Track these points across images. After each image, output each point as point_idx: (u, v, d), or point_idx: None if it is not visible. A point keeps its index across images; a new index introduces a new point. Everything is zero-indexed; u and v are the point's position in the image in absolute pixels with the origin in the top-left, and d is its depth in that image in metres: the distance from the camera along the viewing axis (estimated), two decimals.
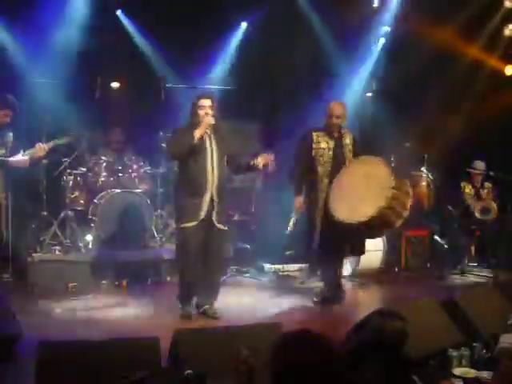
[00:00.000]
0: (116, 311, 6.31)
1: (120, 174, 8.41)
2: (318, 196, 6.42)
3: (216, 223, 5.81)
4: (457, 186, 9.06)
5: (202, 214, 5.74)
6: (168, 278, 7.57)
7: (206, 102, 5.83)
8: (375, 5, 9.69)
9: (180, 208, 5.92)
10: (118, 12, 9.33)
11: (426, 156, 9.17)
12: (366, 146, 9.31)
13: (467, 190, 9.03)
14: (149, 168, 8.63)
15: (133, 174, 8.46)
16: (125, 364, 3.50)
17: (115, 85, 9.42)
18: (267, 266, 8.43)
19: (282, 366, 2.40)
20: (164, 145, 8.48)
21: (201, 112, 5.80)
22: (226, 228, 5.98)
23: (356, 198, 6.13)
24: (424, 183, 9.13)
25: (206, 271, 5.92)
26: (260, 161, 5.83)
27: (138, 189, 8.40)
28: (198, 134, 5.70)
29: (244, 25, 9.87)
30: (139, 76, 9.12)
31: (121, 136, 8.77)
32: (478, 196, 9.00)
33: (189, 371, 3.32)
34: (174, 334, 3.90)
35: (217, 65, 9.69)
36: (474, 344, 4.48)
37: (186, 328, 4.28)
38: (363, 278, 7.85)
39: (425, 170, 9.13)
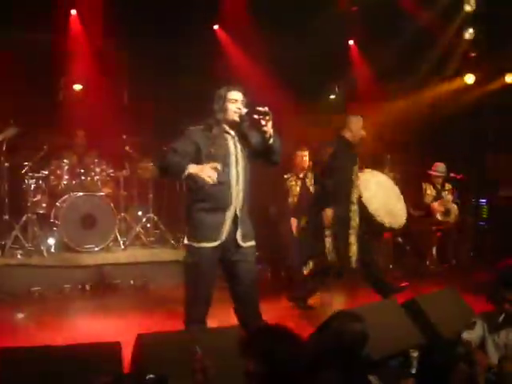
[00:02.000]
0: (79, 316, 6.27)
1: (82, 177, 8.35)
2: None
3: (241, 243, 4.76)
4: (418, 188, 9.20)
5: (224, 234, 4.69)
6: (131, 282, 7.54)
7: (238, 96, 4.74)
8: None
9: (196, 224, 4.72)
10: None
11: (388, 157, 9.28)
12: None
13: (428, 192, 9.17)
14: (112, 171, 8.58)
15: (95, 177, 8.40)
16: (86, 369, 3.48)
17: (78, 87, 9.37)
18: None
19: (251, 355, 2.48)
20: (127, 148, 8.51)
21: (232, 107, 4.70)
22: (253, 243, 4.89)
23: (390, 206, 6.76)
24: None
25: (243, 295, 4.87)
26: (262, 124, 4.60)
27: (101, 192, 8.35)
28: (193, 170, 4.51)
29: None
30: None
31: (84, 139, 8.71)
32: (438, 198, 9.15)
33: (150, 375, 3.31)
34: (137, 339, 3.89)
35: None
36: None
37: (148, 332, 4.26)
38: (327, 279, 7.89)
39: (386, 172, 9.22)
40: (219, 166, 4.53)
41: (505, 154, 10.02)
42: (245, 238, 4.78)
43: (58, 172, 8.29)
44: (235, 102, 4.70)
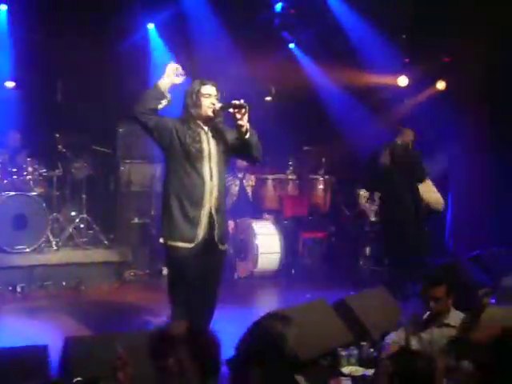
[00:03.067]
0: (9, 318, 6.14)
1: (14, 177, 8.16)
2: None
3: (218, 244, 4.64)
4: (353, 190, 9.35)
5: (201, 234, 4.54)
6: (64, 283, 7.43)
7: (212, 91, 4.61)
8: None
9: (171, 224, 4.57)
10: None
11: (323, 160, 9.39)
12: (265, 149, 9.52)
13: (362, 193, 9.32)
14: (44, 170, 8.42)
15: (28, 177, 8.23)
16: (12, 374, 3.42)
17: (10, 84, 9.17)
18: (165, 269, 8.40)
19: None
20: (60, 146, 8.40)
21: (205, 102, 4.58)
22: (226, 247, 4.86)
23: None
24: (321, 186, 9.37)
25: (204, 298, 4.72)
26: (237, 117, 4.51)
27: (33, 192, 8.18)
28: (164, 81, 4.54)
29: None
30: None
31: (17, 141, 8.53)
32: (372, 199, 9.31)
33: (78, 379, 3.29)
34: (65, 342, 3.85)
35: None
36: (362, 343, 4.66)
37: (76, 335, 4.22)
38: (261, 279, 7.97)
39: (322, 174, 9.35)
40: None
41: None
42: (221, 240, 4.66)
43: None
44: (209, 97, 4.58)
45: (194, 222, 4.53)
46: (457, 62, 9.64)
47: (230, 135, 4.69)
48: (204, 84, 4.62)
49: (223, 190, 4.73)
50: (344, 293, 6.70)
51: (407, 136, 7.54)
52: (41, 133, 8.61)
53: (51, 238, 8.14)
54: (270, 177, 9.32)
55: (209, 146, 4.62)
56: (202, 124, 4.64)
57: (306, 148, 9.58)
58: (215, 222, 4.58)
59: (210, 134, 4.66)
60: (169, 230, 4.58)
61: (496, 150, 9.08)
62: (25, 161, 8.31)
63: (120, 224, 9.05)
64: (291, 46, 10.41)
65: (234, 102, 4.49)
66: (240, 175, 8.67)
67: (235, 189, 8.63)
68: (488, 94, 9.20)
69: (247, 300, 6.94)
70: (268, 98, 10.20)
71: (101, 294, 7.23)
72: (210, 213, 4.56)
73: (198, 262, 4.56)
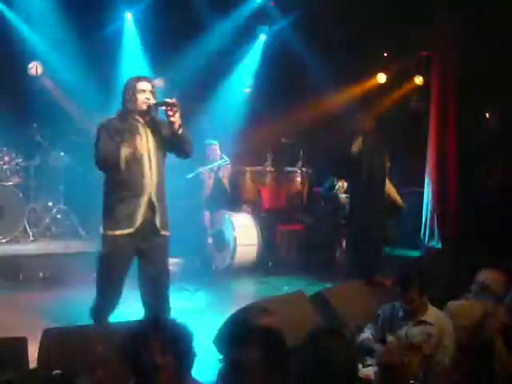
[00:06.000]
0: None
1: None
2: None
3: (160, 229, 4.86)
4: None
5: (139, 220, 4.76)
6: (41, 274, 7.39)
7: (147, 86, 4.89)
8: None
9: (110, 213, 4.80)
10: None
11: (301, 152, 9.41)
12: (245, 142, 9.58)
13: (340, 184, 9.37)
14: (21, 160, 8.36)
15: (4, 167, 8.18)
16: None
17: None
18: None
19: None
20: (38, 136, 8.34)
21: (140, 97, 4.84)
22: (169, 233, 4.99)
23: None
24: (299, 179, 9.40)
25: (154, 285, 4.90)
26: (170, 114, 4.75)
27: (10, 181, 8.14)
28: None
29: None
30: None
31: None
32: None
33: (57, 371, 3.29)
34: (43, 334, 3.85)
35: None
36: None
37: (55, 327, 4.21)
38: (238, 271, 8.00)
39: (300, 166, 9.38)
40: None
41: None
42: (163, 226, 4.88)
43: None
44: (144, 92, 4.87)
45: (132, 209, 4.75)
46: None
47: (164, 129, 4.92)
48: (139, 80, 4.93)
49: (163, 180, 4.94)
50: (321, 285, 6.79)
51: (369, 123, 7.60)
52: (18, 122, 8.51)
53: (28, 228, 8.11)
54: (248, 169, 9.34)
55: (147, 137, 4.86)
56: (139, 117, 4.88)
57: (284, 140, 9.59)
58: (156, 209, 4.82)
59: (147, 126, 4.90)
60: (109, 221, 4.81)
61: None
62: (1, 150, 8.26)
63: (97, 214, 8.99)
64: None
65: (166, 100, 4.80)
66: (215, 168, 8.66)
67: (210, 181, 8.61)
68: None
69: (225, 292, 6.95)
70: (247, 90, 10.21)
71: (78, 285, 7.18)
72: (150, 199, 4.80)
73: (137, 247, 4.81)
